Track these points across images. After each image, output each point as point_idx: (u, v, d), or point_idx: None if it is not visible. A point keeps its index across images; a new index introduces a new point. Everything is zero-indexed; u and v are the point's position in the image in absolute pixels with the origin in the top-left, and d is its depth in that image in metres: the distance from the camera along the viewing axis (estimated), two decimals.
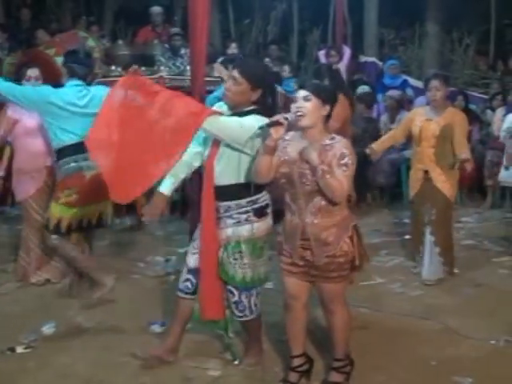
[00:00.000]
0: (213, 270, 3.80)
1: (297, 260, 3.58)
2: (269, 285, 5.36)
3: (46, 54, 7.34)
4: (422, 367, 3.98)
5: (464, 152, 5.36)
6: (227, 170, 3.70)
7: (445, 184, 5.42)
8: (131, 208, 6.71)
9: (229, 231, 3.79)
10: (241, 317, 3.90)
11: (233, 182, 3.71)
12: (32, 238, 5.37)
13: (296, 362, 3.74)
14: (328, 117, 3.47)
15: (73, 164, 4.88)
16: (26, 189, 5.34)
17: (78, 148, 4.74)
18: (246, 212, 3.77)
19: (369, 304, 4.85)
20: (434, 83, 5.39)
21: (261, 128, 3.48)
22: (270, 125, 3.40)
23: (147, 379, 3.85)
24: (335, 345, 3.68)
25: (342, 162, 3.35)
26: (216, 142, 3.69)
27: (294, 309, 3.66)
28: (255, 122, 3.56)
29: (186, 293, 3.93)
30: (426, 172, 5.46)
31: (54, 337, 4.43)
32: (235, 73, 3.66)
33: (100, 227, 5.21)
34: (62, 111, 4.83)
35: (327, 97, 3.44)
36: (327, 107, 3.43)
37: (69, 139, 4.86)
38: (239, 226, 3.79)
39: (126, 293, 5.12)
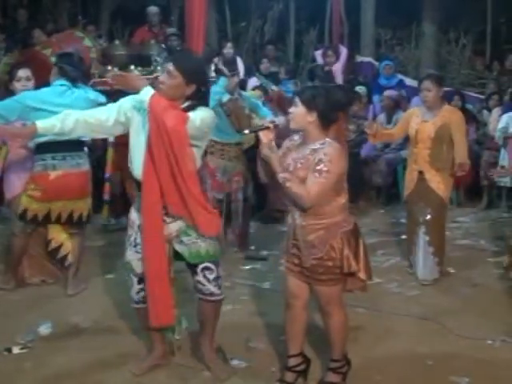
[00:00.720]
0: (163, 274, 3.70)
1: (292, 259, 3.61)
2: (266, 285, 5.40)
3: (42, 54, 7.31)
4: (418, 367, 3.98)
5: (461, 156, 5.36)
6: None
7: (439, 185, 5.42)
8: (127, 208, 6.69)
9: (179, 222, 3.69)
10: (218, 295, 3.83)
11: None
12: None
13: (292, 361, 3.74)
14: (328, 122, 3.44)
15: (40, 162, 4.95)
16: (12, 188, 5.32)
17: (47, 147, 4.83)
18: None
19: (365, 304, 4.85)
20: (425, 84, 5.40)
21: (251, 132, 3.62)
22: (257, 130, 3.48)
23: (144, 379, 3.85)
24: (332, 346, 3.68)
25: (317, 167, 3.34)
26: None
27: (294, 308, 3.67)
28: (207, 112, 3.64)
29: (144, 302, 3.81)
30: (421, 173, 5.46)
31: (51, 337, 4.43)
32: (170, 66, 3.61)
33: (82, 224, 5.21)
34: (39, 112, 4.73)
35: (312, 102, 3.41)
36: (313, 114, 3.41)
37: (40, 138, 4.85)
38: None
39: (123, 293, 5.11)
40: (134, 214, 3.79)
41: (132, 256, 3.78)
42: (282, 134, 3.86)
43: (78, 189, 5.06)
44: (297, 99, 3.47)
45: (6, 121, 4.91)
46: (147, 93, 3.54)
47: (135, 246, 3.76)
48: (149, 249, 3.67)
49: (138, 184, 3.69)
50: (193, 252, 3.74)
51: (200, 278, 3.80)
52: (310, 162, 3.37)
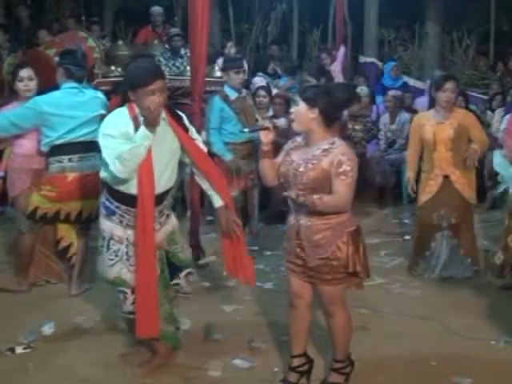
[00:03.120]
0: (153, 286, 3.73)
1: (294, 259, 3.60)
2: (268, 285, 5.40)
3: (46, 54, 7.34)
4: (421, 367, 3.98)
5: (479, 146, 5.33)
6: (167, 176, 3.77)
7: (465, 186, 5.38)
8: None
9: (168, 227, 3.89)
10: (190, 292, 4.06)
11: (171, 185, 3.83)
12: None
13: (296, 361, 3.74)
14: (330, 120, 3.44)
15: (57, 164, 4.95)
16: (13, 187, 5.34)
17: (64, 149, 4.88)
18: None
19: (369, 305, 4.85)
20: (451, 85, 5.27)
21: (250, 132, 3.77)
22: (256, 129, 3.58)
23: (147, 379, 3.86)
24: (335, 346, 3.68)
25: (340, 170, 3.33)
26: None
27: (298, 307, 3.67)
28: None
29: None
30: (446, 176, 5.39)
31: (54, 337, 4.44)
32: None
33: (90, 222, 5.20)
34: (55, 117, 4.84)
35: (313, 100, 3.40)
36: (315, 110, 3.40)
37: (56, 140, 4.91)
38: (169, 218, 3.94)
39: None
40: (120, 230, 3.76)
41: (124, 270, 3.79)
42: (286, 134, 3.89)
43: (93, 190, 5.01)
44: (298, 98, 3.45)
45: (21, 130, 4.98)
46: None
47: (128, 260, 3.77)
48: (142, 261, 3.70)
49: (131, 199, 3.69)
50: (181, 258, 3.98)
51: (182, 281, 4.01)
52: (325, 164, 3.36)
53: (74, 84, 5.02)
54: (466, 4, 12.87)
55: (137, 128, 3.55)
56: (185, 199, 7.31)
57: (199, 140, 4.02)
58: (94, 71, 7.00)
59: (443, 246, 5.49)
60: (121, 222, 3.76)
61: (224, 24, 13.38)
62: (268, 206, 7.38)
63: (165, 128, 3.68)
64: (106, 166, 3.61)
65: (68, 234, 5.22)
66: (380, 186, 8.50)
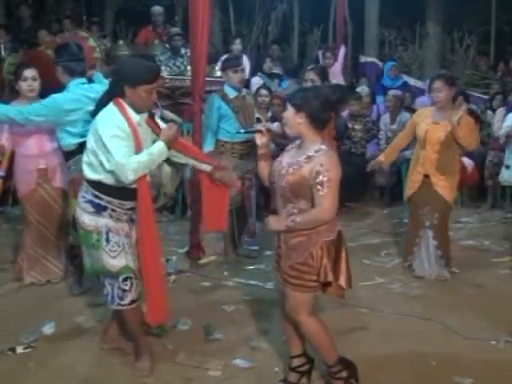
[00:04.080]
0: (159, 272, 3.91)
1: (277, 259, 3.63)
2: (269, 285, 5.40)
3: (46, 54, 7.33)
4: (422, 367, 3.98)
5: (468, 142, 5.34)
6: None
7: (445, 189, 5.40)
8: None
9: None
10: (106, 302, 4.02)
11: None
12: (26, 238, 5.39)
13: (296, 362, 3.73)
14: (319, 123, 3.42)
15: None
16: (20, 188, 5.35)
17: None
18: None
19: (369, 304, 4.85)
20: (437, 84, 5.31)
21: (245, 133, 4.08)
22: (249, 132, 3.73)
23: (148, 379, 3.86)
24: (318, 352, 3.66)
25: (317, 180, 3.32)
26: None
27: (284, 306, 3.65)
28: None
29: (139, 298, 3.95)
30: (427, 176, 5.44)
31: (54, 337, 4.44)
32: None
33: None
34: (75, 112, 4.76)
35: (300, 104, 3.40)
36: (302, 114, 3.39)
37: (82, 138, 4.70)
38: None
39: None
40: (113, 223, 3.83)
41: (129, 257, 3.86)
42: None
43: None
44: (288, 103, 3.48)
45: (31, 125, 4.94)
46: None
47: (129, 249, 3.87)
48: (149, 250, 3.82)
49: (126, 193, 3.79)
50: None
51: None
52: (305, 171, 3.35)
53: (82, 80, 4.93)
54: (466, 4, 12.86)
55: (130, 124, 3.68)
56: (185, 199, 7.32)
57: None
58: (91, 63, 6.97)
59: (428, 246, 5.50)
60: (111, 216, 3.83)
61: (224, 24, 13.37)
62: (269, 206, 7.39)
63: (146, 127, 3.86)
64: (101, 165, 3.70)
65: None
66: (380, 185, 8.50)
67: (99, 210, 3.81)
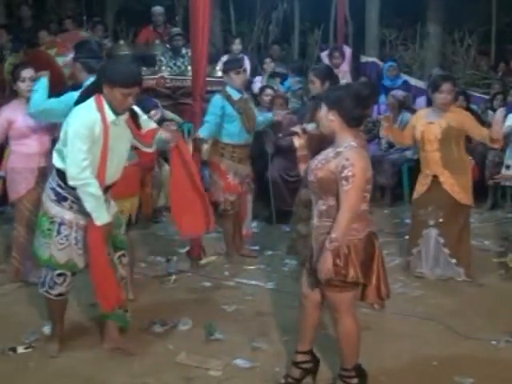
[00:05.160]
0: (107, 264, 3.95)
1: (308, 259, 3.61)
2: (270, 285, 5.40)
3: (47, 54, 7.32)
4: (422, 367, 3.98)
5: (485, 135, 5.25)
6: (120, 169, 4.03)
7: (453, 187, 5.36)
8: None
9: (112, 212, 4.08)
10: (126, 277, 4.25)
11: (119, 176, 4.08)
12: (27, 238, 5.36)
13: (299, 357, 3.73)
14: (351, 120, 3.42)
15: None
16: (17, 189, 5.30)
17: None
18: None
19: (370, 304, 4.84)
20: (447, 86, 5.28)
21: (283, 137, 4.23)
22: (287, 135, 3.75)
23: (148, 379, 3.86)
24: (340, 353, 3.64)
25: (342, 175, 3.32)
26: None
27: (305, 307, 3.67)
28: None
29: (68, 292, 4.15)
30: (435, 176, 5.41)
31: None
32: None
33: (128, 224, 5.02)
34: None
35: (332, 102, 3.42)
36: (334, 112, 3.40)
37: None
38: (111, 204, 4.12)
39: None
40: (70, 215, 3.93)
41: (74, 253, 3.97)
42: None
43: (134, 185, 4.98)
44: (322, 102, 3.49)
45: (49, 119, 4.94)
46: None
47: (76, 244, 3.96)
48: (97, 243, 3.88)
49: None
50: (121, 239, 4.19)
51: (117, 263, 4.13)
52: (332, 166, 3.36)
53: None
54: (467, 4, 12.86)
55: (102, 121, 3.75)
56: None
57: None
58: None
59: (430, 246, 5.48)
60: (71, 207, 3.92)
61: (225, 24, 13.38)
62: (269, 206, 7.39)
63: (124, 126, 3.92)
64: (64, 158, 3.81)
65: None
66: (381, 185, 8.49)
67: (60, 199, 3.93)
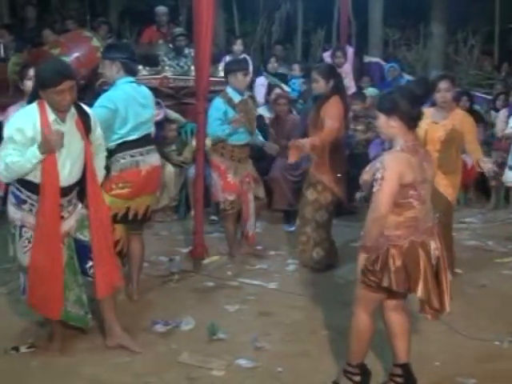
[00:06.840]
0: (57, 271, 3.93)
1: None
2: (272, 285, 5.39)
3: (50, 54, 7.33)
4: (425, 367, 3.97)
5: (478, 154, 5.37)
6: (78, 168, 3.98)
7: (447, 188, 5.37)
8: None
9: (77, 215, 4.09)
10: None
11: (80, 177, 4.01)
12: None
13: (397, 370, 3.71)
14: (411, 121, 3.41)
15: (130, 159, 4.75)
16: None
17: (136, 143, 4.75)
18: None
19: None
20: (444, 85, 5.29)
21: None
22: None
23: (151, 379, 3.86)
24: (348, 347, 3.67)
25: (375, 177, 3.35)
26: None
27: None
28: None
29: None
30: None
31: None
32: None
33: (145, 221, 5.08)
34: (129, 113, 4.70)
35: (389, 108, 3.40)
36: (395, 117, 3.38)
37: (129, 135, 4.74)
38: (77, 207, 4.10)
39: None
40: (30, 217, 3.93)
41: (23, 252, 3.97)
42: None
43: (158, 183, 5.13)
44: (377, 111, 3.48)
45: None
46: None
47: (29, 243, 3.94)
48: (45, 247, 3.88)
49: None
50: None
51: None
52: (375, 170, 3.40)
53: (131, 78, 4.82)
54: (470, 4, 12.86)
55: (42, 125, 3.76)
56: (189, 199, 7.32)
57: (100, 143, 4.21)
58: (98, 71, 6.99)
59: None
60: (30, 210, 3.93)
61: (228, 24, 13.39)
62: (270, 206, 7.39)
63: (72, 127, 3.90)
64: None
65: (124, 235, 4.94)
66: None
67: (19, 202, 3.94)
